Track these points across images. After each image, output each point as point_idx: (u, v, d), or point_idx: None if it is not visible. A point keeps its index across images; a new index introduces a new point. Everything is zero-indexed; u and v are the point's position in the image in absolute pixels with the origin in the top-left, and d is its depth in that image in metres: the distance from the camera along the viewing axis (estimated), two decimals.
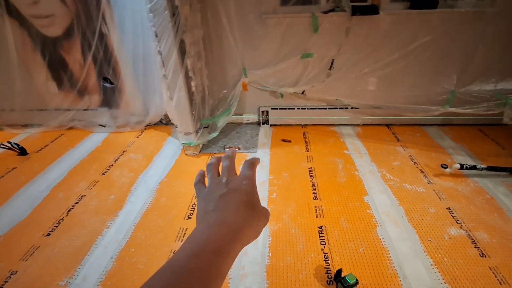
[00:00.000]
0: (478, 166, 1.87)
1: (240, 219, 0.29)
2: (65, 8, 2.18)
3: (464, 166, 1.86)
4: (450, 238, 1.47)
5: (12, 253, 1.49)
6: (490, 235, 1.48)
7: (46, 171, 2.15)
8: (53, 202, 1.85)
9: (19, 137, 2.66)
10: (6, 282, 1.34)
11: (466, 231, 1.51)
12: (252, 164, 0.37)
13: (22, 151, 2.33)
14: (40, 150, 2.45)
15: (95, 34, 2.22)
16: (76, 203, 1.82)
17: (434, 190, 1.80)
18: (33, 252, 1.49)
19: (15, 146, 2.31)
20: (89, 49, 2.30)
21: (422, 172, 1.96)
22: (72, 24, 2.23)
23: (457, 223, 1.56)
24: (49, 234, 1.60)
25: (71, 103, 2.64)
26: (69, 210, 1.76)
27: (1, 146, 2.29)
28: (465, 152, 2.15)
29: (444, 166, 1.92)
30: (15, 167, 2.21)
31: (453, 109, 2.24)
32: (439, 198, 1.73)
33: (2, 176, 2.12)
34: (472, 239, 1.46)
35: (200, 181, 0.38)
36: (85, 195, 1.88)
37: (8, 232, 1.63)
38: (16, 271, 1.39)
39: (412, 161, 2.08)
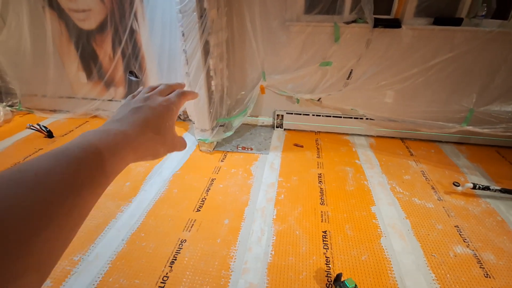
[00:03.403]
0: (491, 187, 1.84)
1: (139, 134, 0.28)
2: (101, 4, 2.32)
3: (477, 186, 1.84)
4: (455, 256, 1.47)
5: None
6: (497, 257, 1.46)
7: None
8: None
9: (47, 121, 2.83)
10: None
11: (473, 250, 1.49)
12: (182, 93, 0.35)
13: (49, 134, 2.49)
14: (65, 134, 2.60)
15: (126, 30, 2.36)
16: None
17: (443, 207, 1.78)
18: None
19: (44, 128, 2.47)
20: (119, 44, 2.44)
21: (433, 188, 1.95)
22: (106, 19, 2.38)
23: (464, 241, 1.55)
24: None
25: (98, 93, 2.79)
26: None
27: (31, 127, 2.46)
28: (480, 172, 2.11)
29: (456, 184, 1.90)
30: (42, 148, 2.37)
31: (470, 128, 2.21)
32: (448, 216, 1.72)
33: (30, 155, 2.27)
34: (478, 259, 1.45)
35: (134, 94, 0.36)
36: None
37: None
38: None
39: (424, 176, 2.07)
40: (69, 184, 0.20)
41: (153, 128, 0.30)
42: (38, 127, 2.47)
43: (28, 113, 2.99)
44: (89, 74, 2.72)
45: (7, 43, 2.62)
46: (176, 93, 0.35)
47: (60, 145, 0.22)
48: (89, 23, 2.44)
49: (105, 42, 2.49)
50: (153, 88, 0.36)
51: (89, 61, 2.64)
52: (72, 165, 0.21)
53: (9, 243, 0.16)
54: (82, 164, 0.21)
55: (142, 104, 0.31)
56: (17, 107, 2.98)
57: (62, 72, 2.74)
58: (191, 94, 0.37)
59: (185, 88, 0.37)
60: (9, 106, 2.95)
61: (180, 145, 0.34)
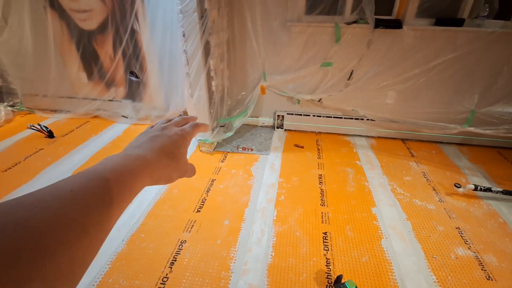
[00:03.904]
0: (493, 189, 1.83)
1: (156, 160, 0.31)
2: (102, 4, 2.33)
3: (479, 187, 1.83)
4: (456, 258, 1.46)
5: None
6: (499, 259, 1.45)
7: (70, 154, 2.29)
8: None
9: (48, 121, 2.84)
10: None
11: (474, 252, 1.48)
12: (196, 125, 0.39)
13: (50, 134, 2.49)
14: (66, 134, 2.60)
15: (127, 30, 2.36)
16: None
17: (444, 209, 1.77)
18: None
19: (44, 128, 2.47)
20: (120, 44, 2.44)
21: (434, 189, 1.94)
22: (107, 20, 2.38)
23: (466, 243, 1.54)
24: None
25: (98, 94, 2.79)
26: None
27: (32, 127, 2.46)
28: (482, 173, 2.10)
29: (457, 185, 1.89)
30: (42, 148, 2.37)
31: (472, 129, 2.20)
32: (449, 217, 1.71)
33: (30, 155, 2.27)
34: (480, 261, 1.44)
35: (152, 125, 0.39)
36: None
37: None
38: None
39: (425, 177, 2.06)
40: (101, 200, 0.23)
41: (168, 154, 0.33)
42: (39, 127, 2.48)
43: (29, 113, 2.99)
44: (90, 74, 2.72)
45: (8, 43, 2.63)
46: (190, 124, 0.39)
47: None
48: (90, 23, 2.45)
49: (106, 42, 2.49)
50: (169, 120, 0.40)
51: (90, 61, 2.64)
52: (101, 182, 0.23)
53: (51, 247, 0.18)
54: (110, 182, 0.24)
55: (159, 133, 0.35)
56: (18, 107, 2.98)
57: (63, 72, 2.74)
58: (203, 126, 0.41)
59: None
60: (10, 106, 2.96)
61: (190, 171, 0.38)
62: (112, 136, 2.59)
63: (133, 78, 2.64)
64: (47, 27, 2.50)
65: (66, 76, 2.76)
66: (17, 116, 2.93)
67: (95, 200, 0.22)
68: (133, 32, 2.38)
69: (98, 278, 1.34)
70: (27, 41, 2.59)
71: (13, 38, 2.60)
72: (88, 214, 0.21)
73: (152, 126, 0.38)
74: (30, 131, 2.56)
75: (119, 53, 2.49)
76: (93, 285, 1.30)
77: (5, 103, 2.93)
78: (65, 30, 2.52)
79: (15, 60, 2.74)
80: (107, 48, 2.52)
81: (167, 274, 1.35)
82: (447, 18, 2.05)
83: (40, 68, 2.72)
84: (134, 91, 2.71)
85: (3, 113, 2.78)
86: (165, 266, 1.39)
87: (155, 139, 0.34)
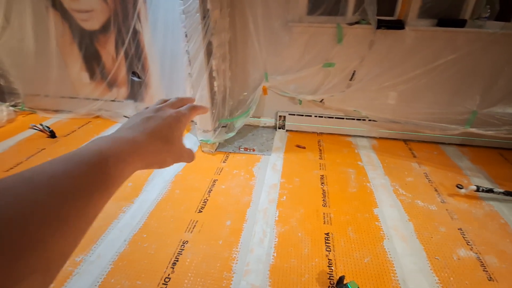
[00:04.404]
0: (495, 190, 1.83)
1: (147, 143, 0.29)
2: (105, 4, 2.33)
3: (481, 188, 1.83)
4: (458, 259, 1.46)
5: None
6: (500, 260, 1.45)
7: None
8: None
9: (50, 121, 2.84)
10: None
11: (476, 253, 1.48)
12: (193, 107, 0.37)
13: (52, 134, 2.49)
14: (68, 134, 2.61)
15: (129, 31, 2.36)
16: None
17: (446, 210, 1.77)
18: None
19: (46, 128, 2.48)
20: (122, 44, 2.45)
21: (436, 190, 1.94)
22: (109, 20, 2.38)
23: (468, 244, 1.54)
24: None
25: (100, 94, 2.79)
26: None
27: (34, 127, 2.47)
28: (483, 174, 2.10)
29: (459, 186, 1.89)
30: (44, 148, 2.37)
31: (473, 130, 2.20)
32: (451, 218, 1.71)
33: (32, 155, 2.27)
34: (482, 262, 1.44)
35: (147, 106, 0.37)
36: None
37: None
38: None
39: (427, 178, 2.06)
40: (81, 187, 0.21)
41: (161, 137, 0.31)
42: (41, 127, 2.48)
43: (31, 113, 2.99)
44: (91, 74, 2.72)
45: (10, 43, 2.64)
46: (187, 106, 0.37)
47: (71, 150, 0.23)
48: (92, 24, 2.45)
49: (108, 43, 2.49)
50: (165, 101, 0.37)
51: (92, 61, 2.64)
52: (83, 169, 0.22)
53: (22, 242, 0.16)
54: (93, 168, 0.22)
55: (153, 114, 0.33)
56: (20, 107, 2.99)
57: (65, 72, 2.74)
58: (202, 109, 0.38)
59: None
60: (12, 106, 2.96)
61: (187, 156, 0.35)
62: None
63: (135, 79, 2.64)
64: (49, 28, 2.51)
65: (68, 76, 2.77)
66: (19, 116, 2.94)
67: (77, 188, 0.20)
68: (135, 32, 2.38)
69: (100, 278, 1.34)
70: (29, 41, 2.59)
71: (15, 38, 2.61)
72: (68, 204, 0.19)
73: (146, 109, 0.36)
74: (32, 131, 2.56)
75: (121, 53, 2.50)
76: (95, 285, 1.31)
77: (7, 103, 2.94)
78: (67, 31, 2.52)
79: (17, 60, 2.75)
80: (109, 49, 2.52)
81: (169, 275, 1.36)
82: (449, 19, 2.05)
83: (42, 68, 2.72)
84: (136, 91, 2.71)
85: (5, 113, 2.79)
86: (167, 266, 1.40)
87: (148, 121, 0.32)
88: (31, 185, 0.18)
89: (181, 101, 0.38)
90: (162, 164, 0.31)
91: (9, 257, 0.15)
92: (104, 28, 2.44)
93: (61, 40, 2.58)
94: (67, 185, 0.20)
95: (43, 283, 0.18)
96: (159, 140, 0.30)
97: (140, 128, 0.30)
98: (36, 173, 0.20)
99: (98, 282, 1.32)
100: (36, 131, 2.52)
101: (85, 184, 0.21)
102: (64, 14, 2.45)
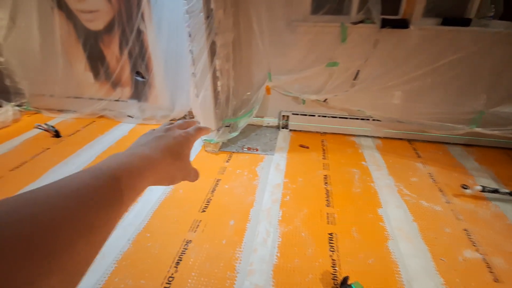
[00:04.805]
0: (501, 190, 1.81)
1: (160, 159, 0.31)
2: (109, 5, 2.34)
3: (486, 189, 1.81)
4: (464, 260, 1.44)
5: None
6: (507, 261, 1.43)
7: (76, 154, 2.31)
8: None
9: (55, 120, 2.86)
10: None
11: (482, 254, 1.47)
12: (199, 128, 0.40)
13: (57, 134, 2.51)
14: (72, 134, 2.63)
15: (133, 31, 2.37)
16: None
17: (452, 210, 1.76)
18: None
19: (51, 128, 2.50)
20: (126, 44, 2.46)
21: (441, 190, 1.92)
22: (113, 20, 2.39)
23: (474, 245, 1.52)
24: None
25: (104, 94, 2.81)
26: None
27: (39, 127, 2.49)
28: (489, 175, 2.08)
29: (465, 186, 1.87)
30: (49, 148, 2.39)
31: (479, 130, 2.18)
32: (457, 219, 1.69)
33: (37, 154, 2.29)
34: (487, 263, 1.42)
35: (154, 129, 0.40)
36: None
37: None
38: None
39: (432, 178, 2.04)
40: (106, 199, 0.22)
41: (173, 154, 0.33)
42: (46, 126, 2.50)
43: (36, 113, 3.02)
44: (96, 74, 2.74)
45: (16, 43, 2.66)
46: (194, 127, 0.40)
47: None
48: (96, 24, 2.46)
49: (112, 43, 2.51)
50: (172, 123, 0.41)
51: (97, 62, 2.66)
52: (108, 182, 0.23)
53: (55, 244, 0.18)
54: (116, 181, 0.24)
55: (164, 134, 0.36)
56: (26, 107, 3.01)
57: (69, 72, 2.76)
58: (206, 130, 0.42)
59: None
60: (17, 106, 2.99)
61: (193, 175, 0.38)
62: (118, 136, 2.61)
63: (139, 78, 2.65)
64: (54, 28, 2.53)
65: (73, 76, 2.78)
66: (24, 116, 2.96)
67: (100, 199, 0.22)
68: (139, 32, 2.39)
69: (104, 277, 1.34)
70: (35, 41, 2.62)
71: (21, 39, 2.63)
72: (93, 214, 0.21)
73: (154, 130, 0.39)
74: (37, 131, 2.59)
75: (125, 53, 2.51)
76: (100, 284, 1.31)
77: (13, 103, 2.96)
78: (72, 31, 2.54)
79: (22, 61, 2.77)
80: (114, 49, 2.53)
81: (172, 274, 1.36)
82: (454, 18, 2.03)
83: (47, 68, 2.74)
84: (139, 91, 2.72)
85: (10, 112, 2.82)
86: (171, 266, 1.40)
87: (159, 139, 0.34)
88: (62, 195, 0.20)
89: (187, 123, 0.41)
90: (171, 181, 0.34)
91: (43, 256, 0.17)
92: (109, 28, 2.45)
93: (66, 40, 2.60)
94: (93, 196, 0.22)
95: (69, 284, 0.19)
96: (170, 157, 0.33)
97: (153, 145, 0.33)
98: (65, 183, 0.21)
99: (102, 281, 1.33)
100: (41, 130, 2.54)
101: (109, 196, 0.23)
102: (69, 15, 2.47)
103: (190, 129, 0.39)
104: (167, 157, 0.32)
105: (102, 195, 0.22)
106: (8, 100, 2.97)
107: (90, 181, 0.22)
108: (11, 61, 2.79)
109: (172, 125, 0.39)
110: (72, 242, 0.19)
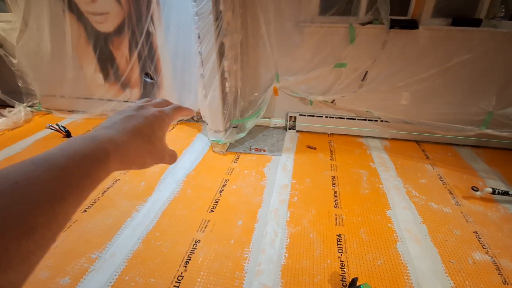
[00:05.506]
0: (510, 192, 1.78)
1: (126, 143, 0.27)
2: (119, 7, 2.38)
3: (497, 191, 1.79)
4: (474, 263, 1.43)
5: None
6: None
7: None
8: None
9: (66, 121, 2.91)
10: None
11: (492, 257, 1.45)
12: (177, 108, 0.35)
13: (68, 134, 2.56)
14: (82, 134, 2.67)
15: (142, 33, 2.40)
16: (111, 186, 1.97)
17: (461, 212, 1.74)
18: (71, 225, 1.64)
19: (62, 128, 2.54)
20: (136, 46, 2.49)
21: (450, 192, 1.91)
22: (123, 22, 2.43)
23: (483, 248, 1.51)
24: (85, 211, 1.75)
25: (114, 94, 2.85)
26: (104, 191, 1.91)
27: (51, 127, 2.53)
28: (499, 177, 2.06)
29: (475, 188, 1.86)
30: None
31: (489, 131, 2.15)
32: (466, 221, 1.68)
33: None
34: (497, 265, 1.41)
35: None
36: (119, 179, 2.03)
37: None
38: None
39: (441, 180, 2.03)
40: (50, 193, 0.19)
41: (142, 136, 0.29)
42: (57, 127, 2.55)
43: (47, 113, 3.08)
44: (106, 76, 2.78)
45: (28, 45, 2.72)
46: (172, 106, 0.35)
47: (45, 151, 0.22)
48: (107, 26, 2.50)
49: (122, 45, 2.54)
50: (150, 100, 0.36)
51: (106, 63, 2.70)
52: (54, 173, 0.20)
53: None
54: (65, 172, 0.21)
55: (134, 113, 0.31)
56: (37, 107, 3.07)
57: (79, 73, 2.81)
58: (187, 111, 0.37)
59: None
60: (29, 106, 3.05)
61: (169, 157, 0.34)
62: None
63: (148, 79, 2.68)
64: (65, 30, 2.58)
65: (83, 78, 2.83)
66: (36, 116, 3.02)
67: (44, 195, 0.19)
68: (149, 34, 2.43)
69: (115, 275, 1.37)
70: (46, 43, 2.67)
71: (32, 41, 2.69)
72: (34, 212, 0.18)
73: (126, 108, 0.34)
74: (48, 131, 2.64)
75: (135, 55, 2.54)
76: (111, 282, 1.34)
77: (25, 104, 3.03)
78: (82, 33, 2.58)
79: (34, 62, 2.83)
80: (123, 50, 2.57)
81: (182, 273, 1.38)
82: (463, 18, 2.01)
83: (58, 69, 2.80)
84: (148, 92, 2.76)
85: (22, 113, 2.88)
86: (180, 265, 1.42)
87: (128, 119, 0.30)
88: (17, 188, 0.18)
89: (166, 102, 0.36)
90: (141, 165, 0.30)
91: None
92: (118, 30, 2.49)
93: (76, 42, 2.64)
94: (35, 192, 0.19)
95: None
96: (140, 140, 0.29)
97: (119, 127, 0.28)
98: (1, 176, 0.18)
99: (113, 279, 1.35)
100: (52, 131, 2.59)
101: (55, 189, 0.20)
102: (80, 17, 2.52)
103: (166, 108, 0.34)
104: (135, 141, 0.28)
105: (38, 191, 0.19)
106: (20, 101, 3.04)
107: (28, 173, 0.19)
108: (23, 63, 2.85)
109: (148, 103, 0.35)
110: (13, 241, 0.16)
